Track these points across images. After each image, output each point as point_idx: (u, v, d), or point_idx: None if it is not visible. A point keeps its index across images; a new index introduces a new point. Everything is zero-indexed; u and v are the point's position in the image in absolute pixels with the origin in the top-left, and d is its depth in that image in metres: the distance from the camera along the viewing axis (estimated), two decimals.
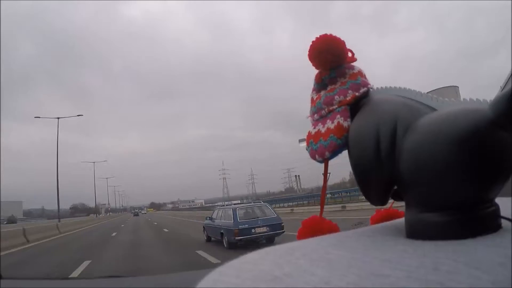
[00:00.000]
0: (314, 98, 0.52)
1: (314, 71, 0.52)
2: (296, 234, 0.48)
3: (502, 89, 0.91)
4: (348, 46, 0.49)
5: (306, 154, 0.50)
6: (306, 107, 0.54)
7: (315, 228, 0.47)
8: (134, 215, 75.72)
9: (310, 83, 0.53)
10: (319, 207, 0.51)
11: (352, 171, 0.41)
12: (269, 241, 8.41)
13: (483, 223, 0.31)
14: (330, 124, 0.47)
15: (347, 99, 0.47)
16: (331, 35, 0.48)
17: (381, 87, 0.48)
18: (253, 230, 8.33)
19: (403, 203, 0.37)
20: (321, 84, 0.52)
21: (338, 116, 0.47)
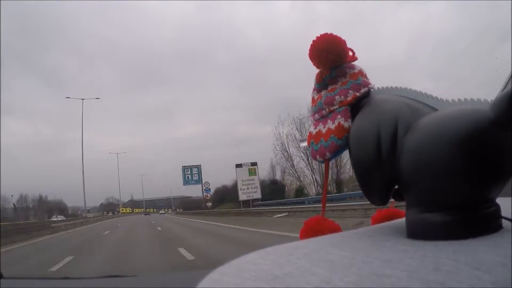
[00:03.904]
0: (315, 98, 0.52)
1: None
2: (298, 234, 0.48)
3: (503, 89, 0.91)
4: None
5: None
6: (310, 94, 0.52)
7: (317, 228, 0.47)
8: (145, 215, 70.75)
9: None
10: None
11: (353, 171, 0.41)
12: None
13: (484, 223, 0.31)
14: (331, 125, 0.47)
15: (348, 99, 0.47)
16: (331, 34, 0.48)
17: (382, 87, 0.48)
18: None
19: (403, 203, 0.37)
20: (322, 83, 0.52)
21: (339, 116, 0.47)
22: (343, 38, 0.48)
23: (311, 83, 0.54)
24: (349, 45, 0.49)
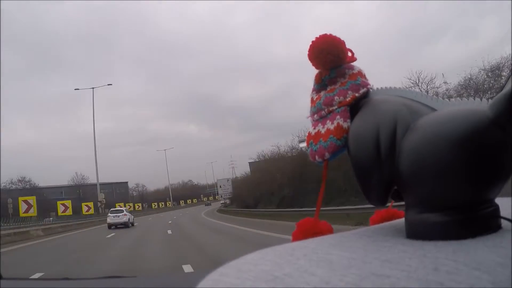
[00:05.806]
0: (314, 99, 0.52)
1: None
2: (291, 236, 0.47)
3: (502, 89, 0.91)
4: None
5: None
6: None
7: (310, 229, 0.47)
8: (205, 205, 61.88)
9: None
10: None
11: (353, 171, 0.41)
12: None
13: (483, 223, 0.31)
14: (329, 125, 0.47)
15: (347, 100, 0.47)
16: (330, 35, 0.48)
17: (381, 88, 0.48)
18: None
19: (403, 203, 0.38)
20: (321, 84, 0.52)
21: (338, 117, 0.47)
22: (338, 38, 0.48)
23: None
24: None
